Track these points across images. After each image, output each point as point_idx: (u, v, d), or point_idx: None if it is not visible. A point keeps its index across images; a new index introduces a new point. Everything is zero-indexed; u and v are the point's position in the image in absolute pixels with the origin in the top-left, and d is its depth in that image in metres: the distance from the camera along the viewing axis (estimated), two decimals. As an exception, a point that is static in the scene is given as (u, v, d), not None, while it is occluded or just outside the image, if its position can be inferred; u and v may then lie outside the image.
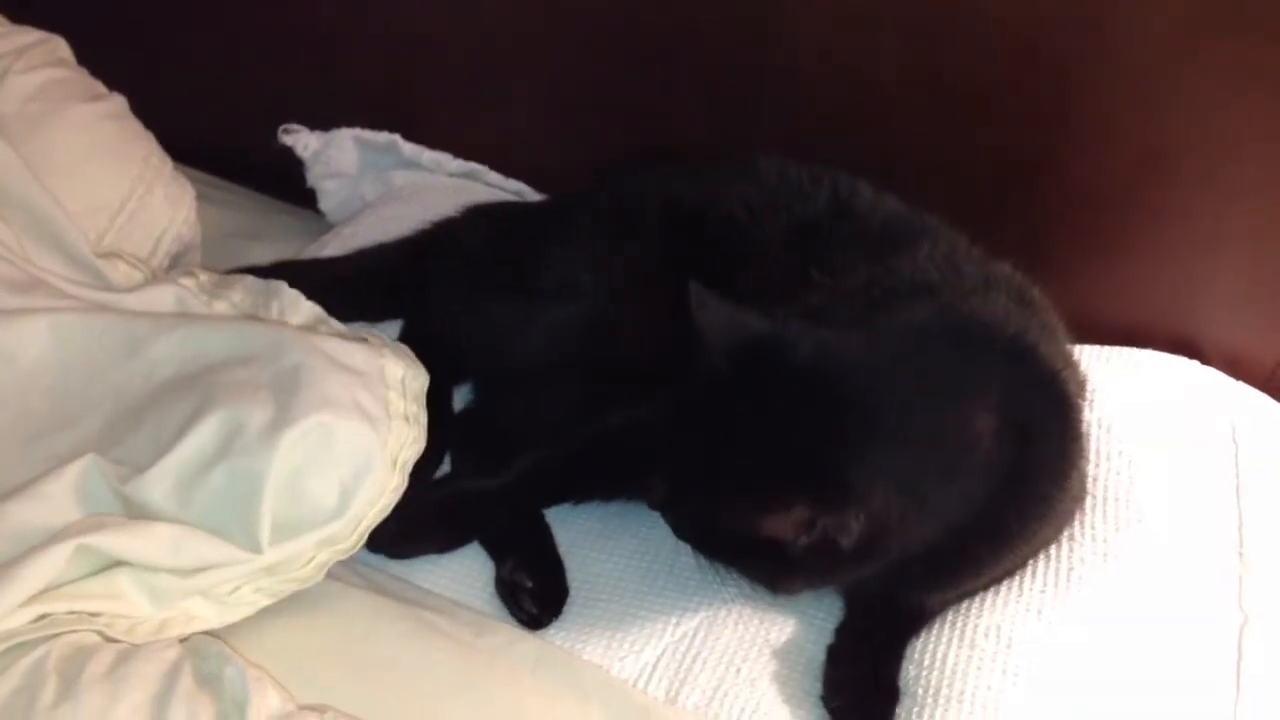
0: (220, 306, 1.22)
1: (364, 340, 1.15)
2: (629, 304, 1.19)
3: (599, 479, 1.16)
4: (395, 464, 1.03)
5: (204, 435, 0.98)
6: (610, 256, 1.21)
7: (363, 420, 1.01)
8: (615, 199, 1.26)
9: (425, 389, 1.12)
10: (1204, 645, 1.05)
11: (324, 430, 0.98)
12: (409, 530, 1.08)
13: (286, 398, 1.00)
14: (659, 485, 1.02)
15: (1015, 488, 0.98)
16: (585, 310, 1.19)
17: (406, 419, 1.07)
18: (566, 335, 1.19)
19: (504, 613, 1.08)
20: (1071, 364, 1.08)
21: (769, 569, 0.99)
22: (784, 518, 0.91)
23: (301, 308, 1.22)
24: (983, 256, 1.13)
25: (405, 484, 1.04)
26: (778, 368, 0.96)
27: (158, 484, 0.97)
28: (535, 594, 1.08)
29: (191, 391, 1.04)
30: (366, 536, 1.02)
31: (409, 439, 1.06)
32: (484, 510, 1.13)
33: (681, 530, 1.03)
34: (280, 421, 0.98)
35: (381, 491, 1.02)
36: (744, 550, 0.97)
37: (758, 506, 0.92)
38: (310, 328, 1.21)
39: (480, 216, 1.38)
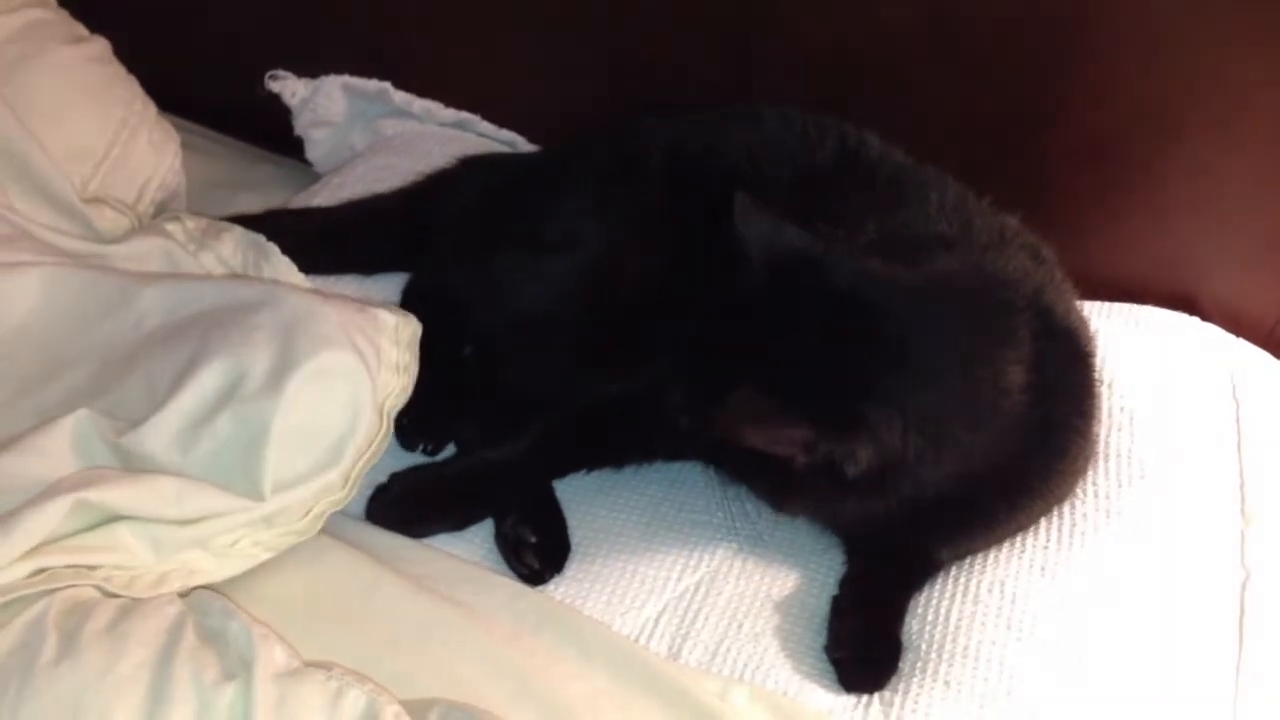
0: (207, 259, 1.20)
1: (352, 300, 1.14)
2: (633, 252, 1.17)
3: (611, 448, 1.14)
4: (382, 412, 1.03)
5: (205, 383, 0.97)
6: (613, 205, 1.19)
7: (360, 365, 1.01)
8: (617, 147, 1.24)
9: (417, 337, 1.11)
10: (1206, 602, 1.05)
11: (325, 376, 0.98)
12: (423, 508, 1.06)
13: (285, 342, 0.99)
14: (677, 389, 1.00)
15: (1038, 444, 0.98)
16: (589, 259, 1.18)
17: (397, 368, 1.06)
18: (571, 284, 1.18)
19: (503, 566, 1.07)
20: (1083, 321, 1.08)
21: (773, 485, 0.99)
22: (784, 434, 0.91)
23: (294, 278, 1.20)
24: (992, 210, 1.12)
25: (390, 432, 1.04)
26: (816, 287, 0.94)
27: (157, 434, 0.95)
28: (538, 549, 1.06)
29: (183, 340, 1.03)
30: (356, 487, 1.01)
31: (397, 387, 1.05)
32: (498, 485, 1.11)
33: (693, 434, 1.02)
34: (283, 367, 0.97)
35: (370, 440, 1.01)
36: (751, 461, 0.96)
37: (761, 419, 0.91)
38: None
39: (477, 168, 1.36)
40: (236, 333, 1.01)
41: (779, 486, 0.98)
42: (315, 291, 1.13)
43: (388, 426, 1.03)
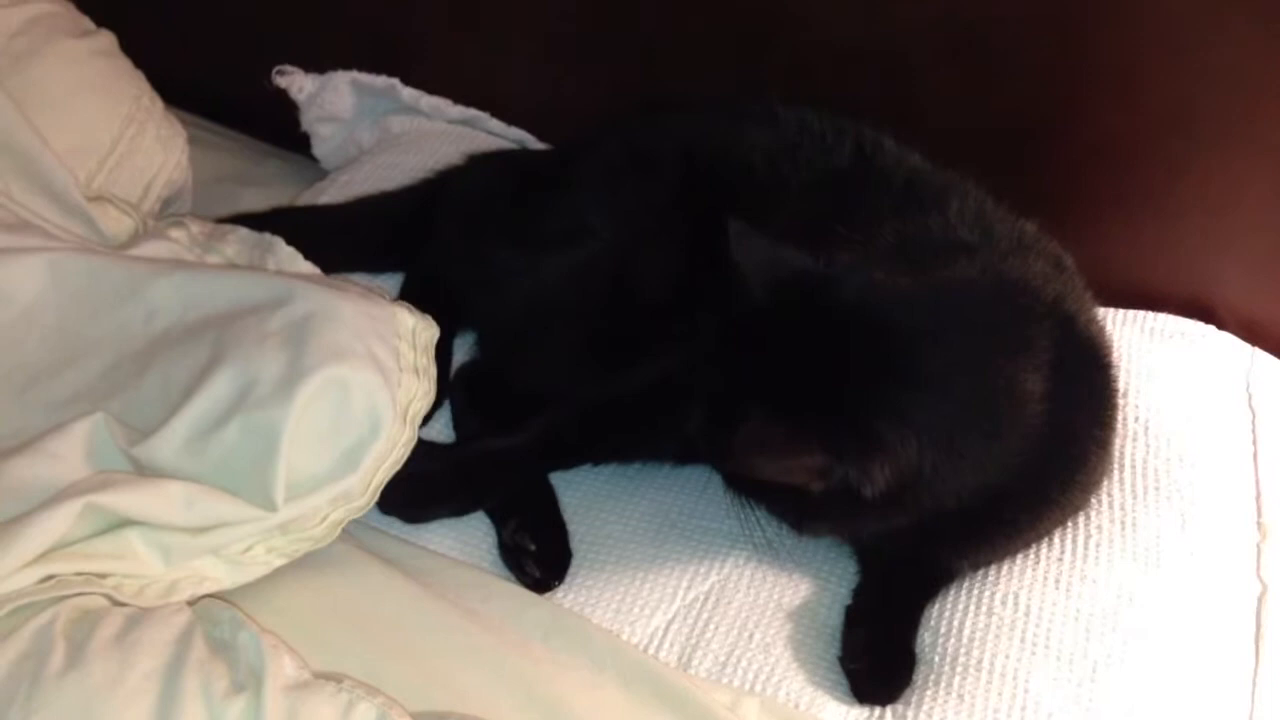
0: (213, 260, 1.18)
1: (371, 289, 1.12)
2: (643, 247, 1.16)
3: (620, 439, 1.13)
4: (406, 418, 1.01)
5: (216, 391, 0.96)
6: (623, 201, 1.18)
7: (376, 372, 0.99)
8: (628, 144, 1.23)
9: (435, 341, 1.10)
10: (1221, 615, 1.04)
11: (340, 383, 0.96)
12: (424, 493, 1.05)
13: (298, 348, 0.98)
14: (694, 413, 0.99)
15: (1058, 453, 0.97)
16: (597, 251, 1.17)
17: (417, 371, 1.05)
18: (576, 278, 1.17)
19: (511, 576, 1.06)
20: (1103, 330, 1.07)
21: (793, 509, 0.97)
22: (797, 464, 0.90)
23: (300, 267, 1.19)
24: (1011, 216, 1.11)
25: (415, 438, 1.02)
26: (821, 306, 0.93)
27: (167, 443, 0.94)
28: (537, 557, 1.05)
29: (198, 343, 1.01)
30: (379, 494, 1.00)
31: (419, 392, 1.04)
32: (503, 471, 1.10)
33: (715, 461, 1.01)
34: (294, 374, 0.95)
35: (393, 447, 1.00)
36: (769, 488, 0.96)
37: (773, 449, 0.90)
38: None
39: (485, 164, 1.35)
40: (250, 338, 0.99)
41: (799, 511, 0.97)
42: (333, 285, 1.11)
43: (412, 432, 1.01)
